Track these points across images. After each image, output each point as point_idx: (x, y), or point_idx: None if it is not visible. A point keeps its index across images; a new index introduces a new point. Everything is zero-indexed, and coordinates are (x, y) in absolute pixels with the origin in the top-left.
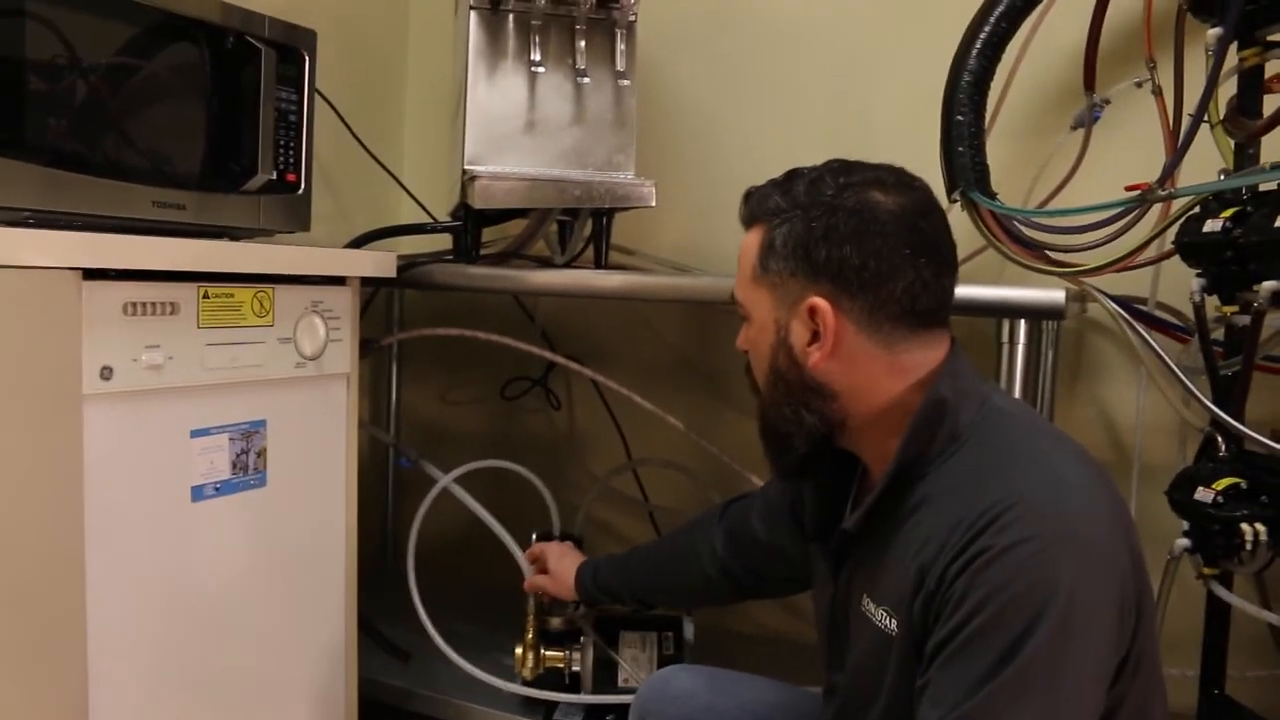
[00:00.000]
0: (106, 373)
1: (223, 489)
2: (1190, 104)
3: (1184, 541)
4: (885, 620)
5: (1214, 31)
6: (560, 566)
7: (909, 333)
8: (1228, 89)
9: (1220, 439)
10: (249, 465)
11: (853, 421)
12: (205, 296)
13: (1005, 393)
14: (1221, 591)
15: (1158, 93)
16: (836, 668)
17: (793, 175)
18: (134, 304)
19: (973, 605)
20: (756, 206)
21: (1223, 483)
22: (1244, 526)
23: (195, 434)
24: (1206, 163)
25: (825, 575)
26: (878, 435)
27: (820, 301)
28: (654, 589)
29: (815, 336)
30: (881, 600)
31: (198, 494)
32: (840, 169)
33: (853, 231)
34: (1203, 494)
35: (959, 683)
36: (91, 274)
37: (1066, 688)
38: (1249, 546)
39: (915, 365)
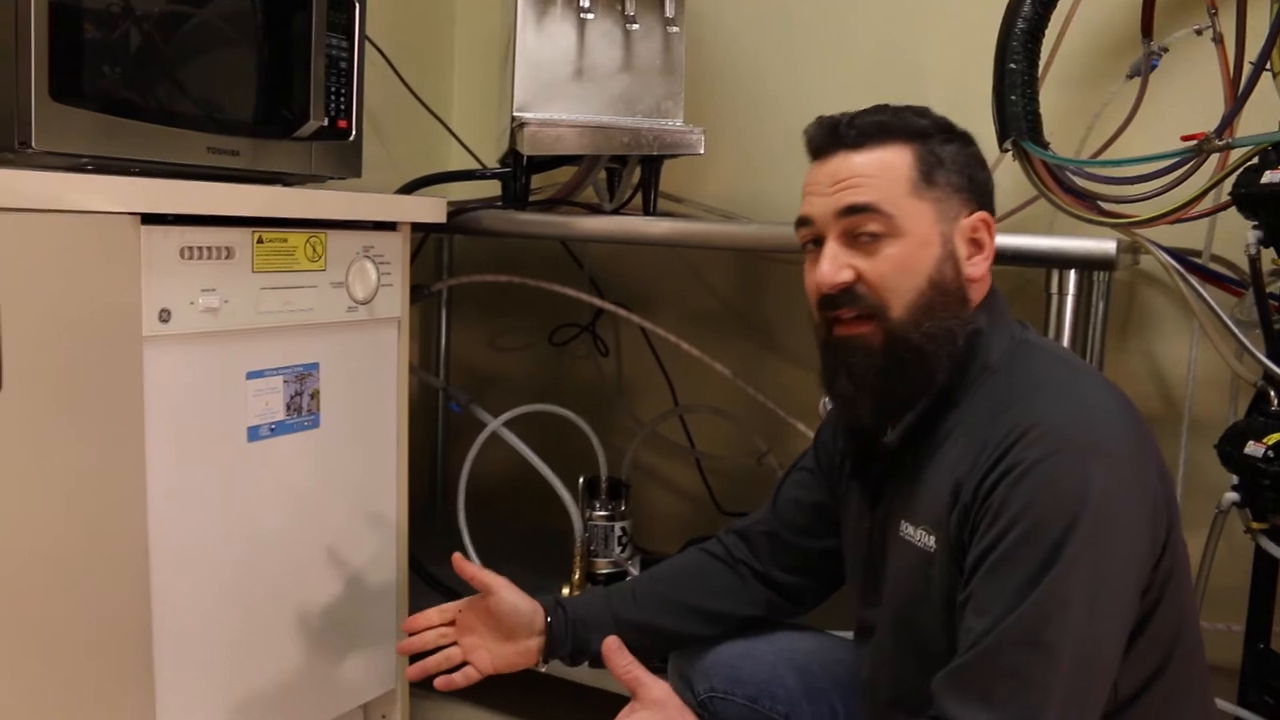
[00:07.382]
0: (165, 315)
1: (277, 430)
2: (1252, 52)
3: (1233, 496)
4: (924, 539)
5: None
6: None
7: None
8: None
9: (1273, 393)
10: (303, 407)
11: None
12: (259, 241)
13: (1038, 331)
14: (1270, 546)
15: (1218, 40)
16: (872, 603)
17: (898, 108)
18: (190, 248)
19: (1009, 518)
20: (893, 124)
21: (1274, 437)
22: None
23: (251, 376)
24: (1266, 112)
25: (861, 510)
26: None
27: (987, 215)
28: (667, 611)
29: (971, 252)
30: (920, 521)
31: (254, 434)
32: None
33: (978, 153)
34: (1253, 448)
35: (1003, 592)
36: (149, 219)
37: (1106, 588)
38: None
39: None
